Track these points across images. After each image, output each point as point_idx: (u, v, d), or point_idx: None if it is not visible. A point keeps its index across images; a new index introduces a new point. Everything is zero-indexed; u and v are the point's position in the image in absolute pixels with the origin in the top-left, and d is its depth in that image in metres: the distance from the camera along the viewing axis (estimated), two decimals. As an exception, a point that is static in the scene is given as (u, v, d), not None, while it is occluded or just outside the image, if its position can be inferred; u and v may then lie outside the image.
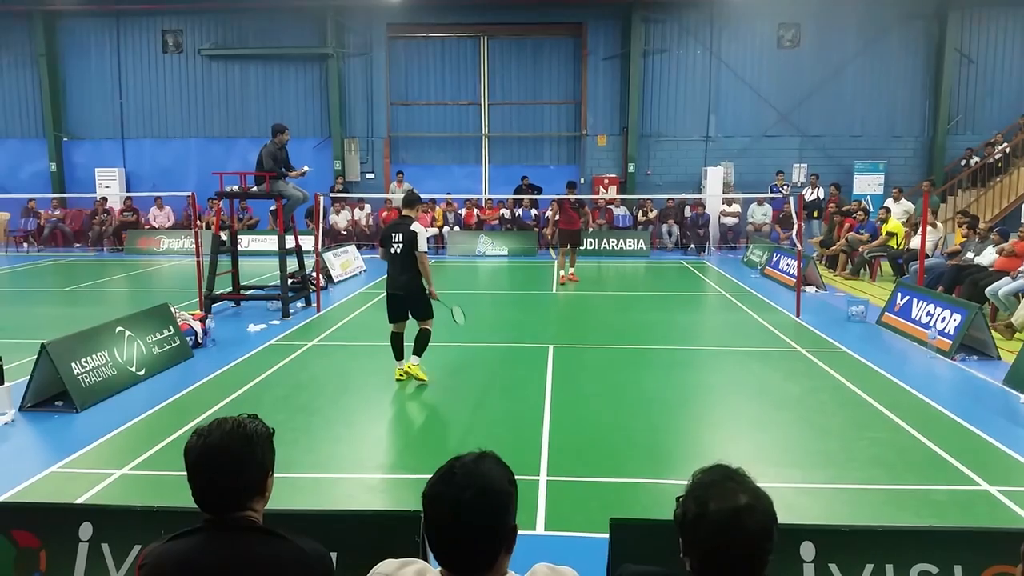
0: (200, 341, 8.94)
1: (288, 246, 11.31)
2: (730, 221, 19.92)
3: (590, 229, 18.81)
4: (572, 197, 14.25)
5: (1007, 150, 18.94)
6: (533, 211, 20.32)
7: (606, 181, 20.82)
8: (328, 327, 10.28)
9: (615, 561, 3.00)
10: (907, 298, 9.84)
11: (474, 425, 6.47)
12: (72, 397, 6.60)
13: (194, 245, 11.84)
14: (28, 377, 6.66)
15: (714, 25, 20.64)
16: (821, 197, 18.85)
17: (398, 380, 7.48)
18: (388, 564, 1.99)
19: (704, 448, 5.97)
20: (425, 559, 2.39)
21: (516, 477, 1.91)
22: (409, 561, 1.99)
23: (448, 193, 20.12)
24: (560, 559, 2.11)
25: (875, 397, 6.98)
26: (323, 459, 5.67)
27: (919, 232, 11.47)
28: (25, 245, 20.20)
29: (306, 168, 11.30)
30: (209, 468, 2.06)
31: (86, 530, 3.24)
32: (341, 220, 19.89)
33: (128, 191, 21.21)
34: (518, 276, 16.19)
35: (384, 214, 19.48)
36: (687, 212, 19.98)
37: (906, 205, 16.29)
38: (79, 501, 4.69)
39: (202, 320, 9.20)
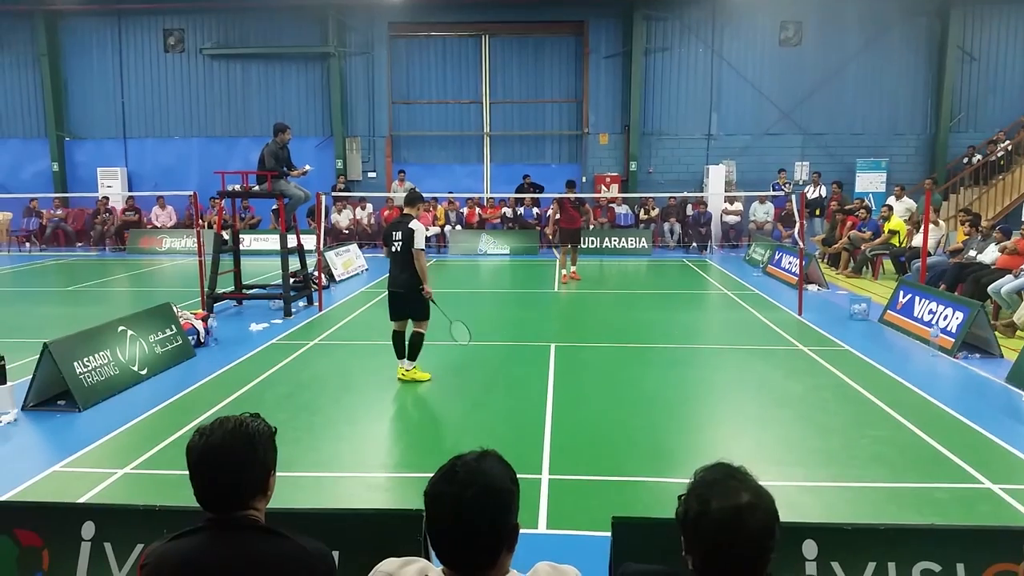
0: (202, 340, 8.95)
1: (290, 245, 11.32)
2: (732, 219, 19.89)
3: (591, 227, 18.80)
4: (572, 196, 14.27)
5: (1009, 148, 18.90)
6: (535, 210, 20.30)
7: (608, 179, 20.80)
8: (330, 326, 10.29)
9: (617, 560, 3.00)
10: (909, 296, 9.83)
11: (476, 423, 6.47)
12: (74, 396, 6.61)
13: (196, 244, 11.86)
14: (30, 376, 6.67)
15: (716, 23, 20.61)
16: (823, 195, 18.80)
17: (400, 379, 7.48)
18: (390, 563, 1.99)
19: (706, 446, 5.96)
20: (427, 558, 2.39)
21: (518, 475, 1.91)
22: (411, 560, 1.98)
23: (450, 192, 20.12)
24: (562, 558, 2.11)
25: (877, 395, 6.97)
26: (325, 458, 5.67)
27: (921, 230, 11.46)
28: (27, 245, 20.21)
29: (308, 167, 11.32)
30: (211, 467, 2.06)
31: (88, 529, 3.24)
32: (343, 219, 19.89)
33: (130, 190, 21.24)
34: (520, 275, 16.18)
35: (386, 213, 19.48)
36: (689, 210, 19.94)
37: (908, 203, 16.28)
38: (81, 500, 4.69)
39: (204, 319, 9.21)
